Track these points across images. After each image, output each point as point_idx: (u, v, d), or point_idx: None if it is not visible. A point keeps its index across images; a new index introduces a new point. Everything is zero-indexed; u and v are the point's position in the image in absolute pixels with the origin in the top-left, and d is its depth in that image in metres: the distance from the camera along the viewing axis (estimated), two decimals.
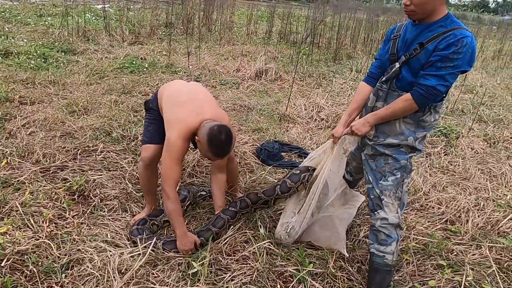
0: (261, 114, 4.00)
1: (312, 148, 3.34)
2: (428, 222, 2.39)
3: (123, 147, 2.89)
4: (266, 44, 8.00)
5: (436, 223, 2.39)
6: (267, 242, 1.94)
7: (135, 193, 2.37)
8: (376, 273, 1.80)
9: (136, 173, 2.55)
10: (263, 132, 3.49)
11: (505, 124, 4.48)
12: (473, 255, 2.10)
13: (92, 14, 8.94)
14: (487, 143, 3.90)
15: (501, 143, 3.88)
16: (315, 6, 9.78)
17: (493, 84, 6.66)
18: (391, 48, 1.73)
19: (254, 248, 1.89)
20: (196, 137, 1.85)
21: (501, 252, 2.13)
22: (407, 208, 2.52)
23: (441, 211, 2.50)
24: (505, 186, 2.94)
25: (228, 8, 10.54)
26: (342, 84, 5.48)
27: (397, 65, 1.66)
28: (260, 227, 2.04)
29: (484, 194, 2.75)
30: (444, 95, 1.64)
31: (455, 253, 2.10)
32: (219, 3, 9.83)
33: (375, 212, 1.80)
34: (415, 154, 1.76)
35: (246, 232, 2.02)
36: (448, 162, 3.31)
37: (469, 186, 2.86)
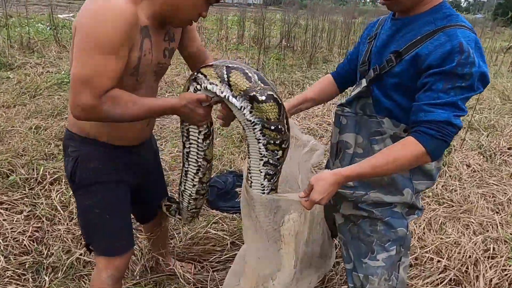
0: (219, 134, 3.33)
1: None
2: (427, 284, 1.76)
3: (23, 194, 2.17)
4: (236, 50, 7.40)
5: (438, 284, 1.77)
6: None
7: (12, 269, 1.66)
8: None
9: (27, 236, 1.84)
10: (216, 160, 2.80)
11: (499, 131, 3.96)
12: None
13: (47, 24, 8.14)
14: (483, 156, 3.37)
15: (499, 156, 3.35)
16: (288, 8, 9.27)
17: None
18: (364, 54, 1.11)
19: None
20: None
21: None
22: None
23: (442, 265, 1.87)
24: None
25: None
26: None
27: (364, 82, 1.05)
28: None
29: (492, 234, 2.16)
30: None
31: None
32: None
33: None
34: (415, 216, 1.14)
35: None
36: (442, 186, 2.72)
37: (473, 222, 2.27)
